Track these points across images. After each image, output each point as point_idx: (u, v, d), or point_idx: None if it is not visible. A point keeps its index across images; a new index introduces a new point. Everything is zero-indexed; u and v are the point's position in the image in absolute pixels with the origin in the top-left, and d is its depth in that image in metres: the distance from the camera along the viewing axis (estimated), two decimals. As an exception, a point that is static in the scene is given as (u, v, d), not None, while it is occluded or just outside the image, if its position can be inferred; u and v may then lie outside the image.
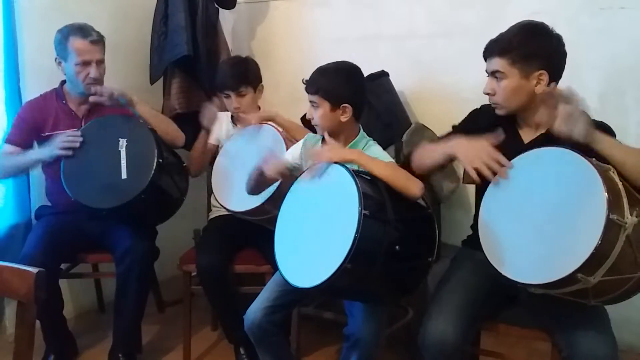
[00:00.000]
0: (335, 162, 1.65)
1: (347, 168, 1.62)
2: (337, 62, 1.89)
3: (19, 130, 2.32)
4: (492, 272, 1.55)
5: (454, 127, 1.95)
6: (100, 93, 2.24)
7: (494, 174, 1.62)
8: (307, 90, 1.85)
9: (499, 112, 1.79)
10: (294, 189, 1.78)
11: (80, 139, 2.21)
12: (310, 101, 1.85)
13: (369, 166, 1.70)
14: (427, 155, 1.83)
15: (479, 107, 1.95)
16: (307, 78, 1.87)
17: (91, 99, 2.27)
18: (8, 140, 2.32)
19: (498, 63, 1.70)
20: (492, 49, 1.73)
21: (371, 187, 1.62)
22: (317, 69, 1.88)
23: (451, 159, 1.77)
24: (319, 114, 1.83)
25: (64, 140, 2.20)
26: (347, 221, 1.50)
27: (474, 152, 1.65)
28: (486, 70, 1.76)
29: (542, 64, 1.69)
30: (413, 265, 1.66)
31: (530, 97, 1.72)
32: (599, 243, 1.33)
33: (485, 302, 1.73)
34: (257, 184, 1.95)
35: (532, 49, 1.69)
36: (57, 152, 2.19)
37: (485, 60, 1.76)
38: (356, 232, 1.47)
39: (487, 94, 1.77)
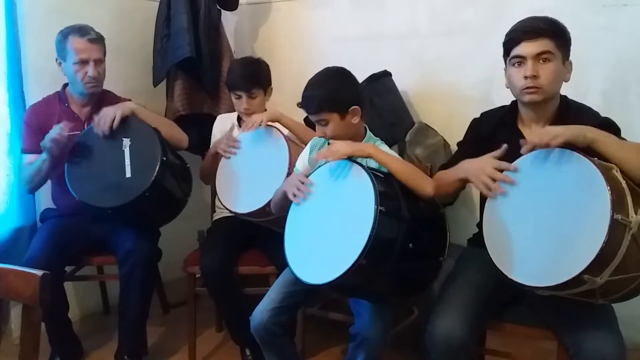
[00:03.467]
0: (350, 157, 1.64)
1: (362, 165, 1.62)
2: (323, 70, 1.84)
3: (29, 137, 2.32)
4: (498, 272, 1.54)
5: (459, 143, 1.94)
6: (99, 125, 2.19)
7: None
8: (308, 112, 1.79)
9: (535, 97, 1.68)
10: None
11: (66, 134, 2.14)
12: (316, 121, 1.80)
13: (384, 161, 1.69)
14: (445, 183, 1.78)
15: (478, 116, 1.92)
16: (300, 101, 1.79)
17: (95, 129, 2.21)
18: (24, 150, 2.32)
19: (548, 44, 1.64)
20: (540, 30, 1.65)
21: (386, 185, 1.62)
22: (308, 85, 1.81)
23: (466, 181, 1.73)
24: (331, 128, 1.78)
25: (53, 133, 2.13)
26: (362, 218, 1.50)
27: (479, 169, 1.63)
28: (519, 55, 1.68)
29: (569, 53, 1.69)
30: (425, 264, 1.66)
31: (560, 86, 1.71)
32: (605, 244, 1.32)
33: (492, 300, 1.72)
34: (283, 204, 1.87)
35: (568, 36, 1.68)
36: (47, 144, 2.12)
37: (519, 43, 1.67)
38: (372, 228, 1.47)
39: (534, 76, 1.65)
